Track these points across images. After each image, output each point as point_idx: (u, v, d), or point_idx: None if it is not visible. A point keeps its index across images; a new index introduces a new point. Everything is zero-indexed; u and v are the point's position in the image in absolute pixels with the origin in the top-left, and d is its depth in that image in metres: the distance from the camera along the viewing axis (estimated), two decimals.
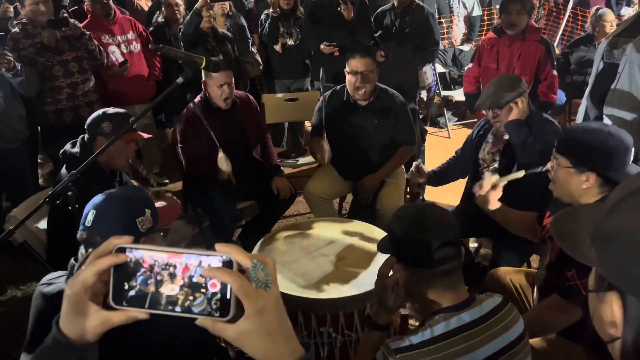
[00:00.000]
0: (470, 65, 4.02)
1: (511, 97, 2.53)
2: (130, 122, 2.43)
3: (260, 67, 4.72)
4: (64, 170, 2.45)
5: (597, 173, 1.79)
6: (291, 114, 4.37)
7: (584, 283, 1.75)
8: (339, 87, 3.35)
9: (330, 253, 2.40)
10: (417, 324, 1.94)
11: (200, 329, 0.66)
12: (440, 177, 3.01)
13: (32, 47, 3.42)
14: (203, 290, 0.65)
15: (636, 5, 5.59)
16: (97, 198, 1.58)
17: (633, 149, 1.81)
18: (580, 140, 1.83)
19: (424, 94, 5.89)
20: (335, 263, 2.32)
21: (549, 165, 1.95)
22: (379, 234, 2.55)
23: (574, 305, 1.81)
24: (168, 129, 5.16)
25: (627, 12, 5.98)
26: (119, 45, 4.09)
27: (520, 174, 2.30)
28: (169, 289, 0.65)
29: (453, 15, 6.41)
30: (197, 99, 3.23)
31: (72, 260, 1.55)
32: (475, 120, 4.74)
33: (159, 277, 0.65)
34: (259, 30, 4.61)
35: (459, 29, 6.51)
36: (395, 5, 4.29)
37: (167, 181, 4.70)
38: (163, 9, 4.56)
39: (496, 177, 2.28)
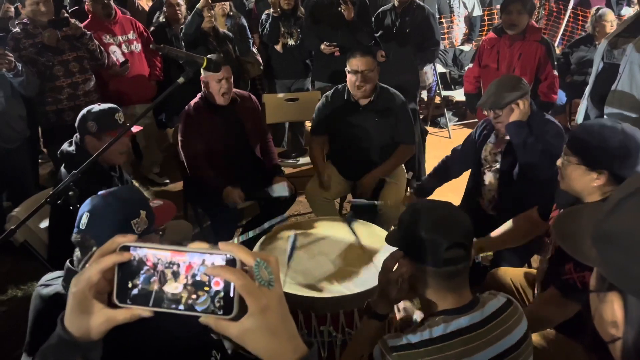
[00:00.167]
0: (471, 65, 4.02)
1: (512, 98, 2.53)
2: (122, 122, 2.46)
3: (261, 67, 4.73)
4: (63, 169, 2.46)
5: (609, 172, 1.76)
6: (292, 114, 4.37)
7: (580, 277, 1.74)
8: (340, 86, 3.35)
9: (330, 252, 2.40)
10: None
11: (202, 328, 0.66)
12: (440, 176, 3.01)
13: (32, 47, 3.42)
14: (206, 288, 0.65)
15: (636, 5, 5.59)
16: (91, 200, 1.57)
17: None
18: (593, 139, 1.79)
19: (424, 94, 5.90)
20: (336, 262, 2.32)
21: (558, 162, 1.93)
22: (380, 233, 2.55)
23: (570, 300, 1.79)
24: (169, 129, 5.17)
25: (628, 12, 5.98)
26: (119, 45, 4.09)
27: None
28: (173, 287, 0.65)
29: (453, 15, 6.42)
30: (197, 97, 3.23)
31: (67, 262, 1.54)
32: (476, 120, 4.75)
33: (162, 276, 0.66)
34: (260, 30, 4.62)
35: (459, 29, 6.51)
36: (396, 5, 4.29)
37: (167, 181, 4.70)
38: (164, 8, 4.56)
39: None
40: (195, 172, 3.22)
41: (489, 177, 2.77)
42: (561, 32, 6.57)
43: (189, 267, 0.65)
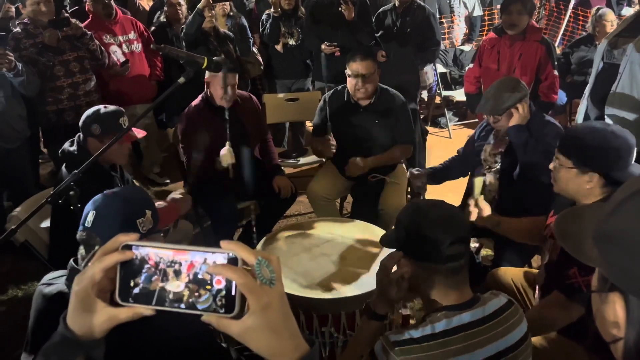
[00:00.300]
0: (471, 65, 4.02)
1: (511, 103, 2.52)
2: (126, 127, 2.44)
3: (262, 67, 4.73)
4: (64, 168, 2.46)
5: (600, 173, 1.78)
6: (292, 114, 4.37)
7: (585, 281, 1.75)
8: (340, 87, 3.35)
9: (331, 253, 2.40)
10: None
11: (203, 328, 0.66)
12: (441, 175, 3.01)
13: (33, 47, 3.42)
14: (208, 287, 0.65)
15: (637, 5, 5.59)
16: (97, 199, 1.58)
17: (635, 149, 1.81)
18: (584, 141, 1.82)
19: (425, 94, 5.89)
20: (337, 263, 2.32)
21: (551, 165, 1.95)
22: (381, 234, 2.55)
23: (575, 303, 1.80)
24: (169, 129, 5.17)
25: (628, 12, 5.97)
26: (120, 45, 4.09)
27: (479, 180, 2.34)
28: (175, 286, 0.65)
29: (454, 15, 6.42)
30: (199, 98, 3.22)
31: (71, 261, 1.54)
32: (476, 120, 4.75)
33: (164, 274, 0.66)
34: (260, 30, 4.62)
35: (459, 29, 6.51)
36: (397, 5, 4.29)
37: (168, 181, 4.70)
38: (165, 8, 4.56)
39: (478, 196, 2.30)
40: (195, 173, 3.21)
41: (489, 178, 2.77)
42: (561, 32, 6.57)
43: (190, 266, 0.66)
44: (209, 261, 0.66)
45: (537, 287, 2.16)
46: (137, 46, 4.20)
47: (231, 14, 4.77)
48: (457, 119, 6.20)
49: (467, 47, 6.52)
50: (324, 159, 3.71)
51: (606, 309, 0.75)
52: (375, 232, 2.56)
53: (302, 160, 4.20)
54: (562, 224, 0.89)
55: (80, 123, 2.50)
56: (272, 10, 4.39)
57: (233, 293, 0.65)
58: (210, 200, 3.20)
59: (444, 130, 5.88)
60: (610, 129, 1.80)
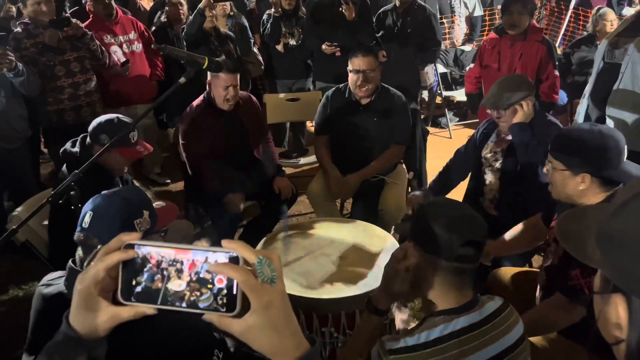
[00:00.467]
0: (472, 65, 4.02)
1: (515, 99, 2.52)
2: (131, 136, 2.45)
3: (262, 67, 4.73)
4: (64, 169, 2.46)
5: (591, 174, 1.80)
6: (293, 114, 4.37)
7: (587, 283, 1.75)
8: (341, 85, 3.35)
9: (332, 253, 2.40)
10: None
11: (205, 327, 0.66)
12: (440, 185, 2.98)
13: (34, 47, 3.42)
14: (210, 285, 0.65)
15: (637, 4, 5.59)
16: (95, 199, 1.57)
17: (626, 147, 1.82)
18: (572, 142, 1.85)
19: (425, 94, 5.90)
20: (337, 263, 2.32)
21: (545, 169, 1.97)
22: (381, 234, 2.55)
23: (577, 305, 1.81)
24: (170, 129, 5.17)
25: (629, 12, 5.97)
26: (120, 45, 4.09)
27: None
28: (176, 285, 0.66)
29: (454, 15, 6.42)
30: (200, 98, 3.22)
31: (69, 262, 1.54)
32: (477, 120, 4.75)
33: (166, 273, 0.66)
34: (261, 30, 4.62)
35: (460, 29, 6.51)
36: (397, 5, 4.29)
37: (168, 181, 4.71)
38: (166, 8, 4.57)
39: None
40: (196, 174, 3.22)
41: (489, 177, 2.77)
42: (562, 32, 6.57)
43: (192, 265, 0.66)
44: (210, 260, 0.66)
45: (537, 287, 2.16)
46: (138, 46, 4.20)
47: (231, 14, 4.77)
48: (457, 119, 6.20)
49: (467, 47, 6.52)
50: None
51: (608, 310, 0.74)
52: (376, 232, 2.56)
53: (302, 161, 4.20)
54: (564, 225, 0.89)
55: (90, 128, 2.48)
56: (272, 10, 4.39)
57: (234, 292, 0.65)
58: (210, 200, 3.20)
59: (444, 131, 5.88)
60: (598, 129, 1.82)
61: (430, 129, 5.61)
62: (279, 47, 4.50)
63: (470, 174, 2.95)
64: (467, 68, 4.19)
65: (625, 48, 3.23)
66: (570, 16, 6.55)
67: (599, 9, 4.99)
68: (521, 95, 2.52)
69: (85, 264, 1.51)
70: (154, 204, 1.70)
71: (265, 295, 0.65)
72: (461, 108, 6.34)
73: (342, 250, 2.42)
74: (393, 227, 3.21)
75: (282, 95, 4.38)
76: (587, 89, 3.61)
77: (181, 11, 4.51)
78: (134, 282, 0.67)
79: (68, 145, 2.51)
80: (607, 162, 1.78)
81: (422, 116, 5.45)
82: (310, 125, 4.64)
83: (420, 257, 1.45)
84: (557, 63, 3.73)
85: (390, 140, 3.30)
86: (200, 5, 3.99)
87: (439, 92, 6.02)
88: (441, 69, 6.20)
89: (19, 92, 3.35)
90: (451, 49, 6.50)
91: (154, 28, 4.60)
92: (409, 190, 3.50)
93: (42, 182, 4.16)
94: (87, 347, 0.70)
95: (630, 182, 0.78)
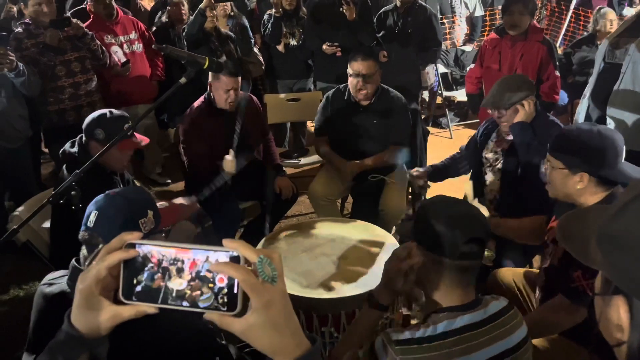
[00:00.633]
0: (473, 65, 4.02)
1: (517, 99, 2.52)
2: (126, 128, 2.43)
3: (263, 67, 4.72)
4: (64, 169, 2.46)
5: (589, 173, 1.81)
6: (293, 114, 4.37)
7: (589, 284, 1.75)
8: (341, 86, 3.35)
9: (332, 253, 2.40)
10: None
11: (205, 329, 0.66)
12: (441, 172, 3.01)
13: (34, 47, 3.43)
14: (210, 285, 0.65)
15: (638, 5, 5.59)
16: (99, 199, 1.58)
17: (624, 148, 1.83)
18: (572, 142, 1.86)
19: (426, 95, 5.89)
20: (337, 263, 2.32)
21: (543, 168, 1.97)
22: (381, 234, 2.55)
23: (579, 306, 1.81)
24: (170, 129, 5.17)
25: (630, 12, 5.97)
26: (121, 46, 4.09)
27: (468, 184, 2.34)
28: (177, 284, 0.66)
29: (455, 15, 6.41)
30: (201, 99, 3.23)
31: (73, 261, 1.55)
32: (477, 120, 4.74)
33: (167, 272, 0.66)
34: (262, 30, 4.62)
35: (461, 30, 6.50)
36: (398, 5, 4.29)
37: (169, 181, 4.71)
38: (168, 8, 4.57)
39: None
40: (196, 174, 3.22)
41: (490, 177, 2.77)
42: (563, 32, 6.57)
43: (193, 264, 0.66)
44: (211, 259, 0.66)
45: (537, 288, 2.16)
46: (138, 46, 4.20)
47: (232, 14, 4.77)
48: (458, 119, 6.20)
49: (468, 48, 6.51)
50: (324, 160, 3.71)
51: (610, 312, 0.74)
52: (376, 232, 2.56)
53: (303, 161, 4.20)
54: (565, 226, 0.89)
55: (84, 126, 2.49)
56: (273, 10, 4.39)
57: (235, 291, 0.65)
58: (211, 201, 3.20)
59: (445, 131, 5.88)
60: (597, 129, 1.84)
61: (430, 129, 5.61)
62: (280, 48, 4.50)
63: (470, 173, 2.95)
64: (468, 68, 4.19)
65: (626, 48, 3.23)
66: (571, 16, 6.55)
67: (600, 8, 4.99)
68: (522, 95, 2.52)
69: (87, 263, 1.52)
70: (157, 204, 1.71)
71: (266, 295, 0.65)
72: (462, 108, 6.34)
73: (343, 250, 2.42)
74: (394, 227, 3.21)
75: (282, 95, 4.38)
76: (588, 89, 3.61)
77: (183, 11, 4.52)
78: (135, 281, 0.67)
79: (67, 146, 2.52)
80: (606, 162, 1.79)
81: (423, 116, 5.45)
82: (311, 126, 4.64)
83: (424, 257, 1.45)
84: (557, 63, 3.73)
85: (389, 141, 3.30)
86: (201, 5, 4.00)
87: (440, 92, 6.02)
88: (442, 69, 6.20)
89: (19, 92, 3.35)
90: (452, 49, 6.50)
91: (154, 28, 4.60)
92: (409, 191, 3.50)
93: (42, 182, 4.16)
94: (88, 346, 0.71)
95: (631, 183, 0.78)
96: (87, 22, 3.89)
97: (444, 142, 5.53)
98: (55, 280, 1.57)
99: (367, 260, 2.33)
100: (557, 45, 6.09)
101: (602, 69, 3.47)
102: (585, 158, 1.82)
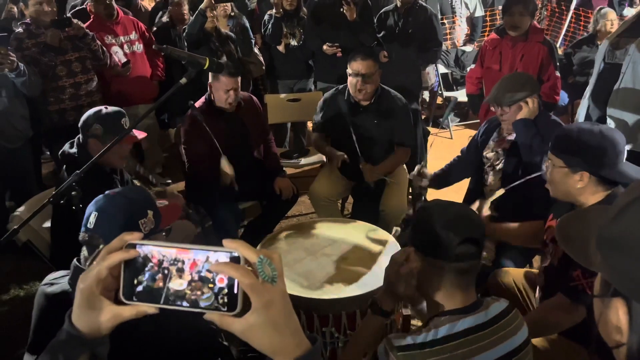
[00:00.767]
0: (473, 66, 4.02)
1: (521, 96, 2.52)
2: (126, 127, 2.45)
3: (263, 68, 4.72)
4: (64, 169, 2.46)
5: (590, 172, 1.82)
6: (294, 114, 4.37)
7: (589, 283, 1.75)
8: (340, 86, 3.35)
9: (332, 253, 2.40)
10: (419, 324, 1.94)
11: (207, 329, 0.66)
12: (443, 179, 3.01)
13: (35, 47, 3.43)
14: (211, 285, 0.66)
15: (638, 5, 5.59)
16: (99, 199, 1.58)
17: (625, 148, 1.84)
18: (573, 141, 1.86)
19: (426, 95, 5.89)
20: (338, 263, 2.32)
21: (544, 167, 1.97)
22: (382, 234, 2.55)
23: (579, 306, 1.81)
24: (171, 129, 5.17)
25: (630, 12, 5.97)
26: (121, 46, 4.09)
27: (500, 192, 2.36)
28: (177, 284, 0.66)
29: (455, 15, 6.41)
30: (202, 100, 3.23)
31: (74, 260, 1.55)
32: (478, 121, 4.74)
33: (167, 273, 0.67)
34: (262, 30, 4.62)
35: (461, 30, 6.50)
36: (399, 5, 4.29)
37: (169, 181, 4.71)
38: (169, 8, 4.57)
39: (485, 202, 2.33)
40: (196, 174, 3.22)
41: (490, 177, 2.77)
42: (563, 32, 6.57)
43: (193, 264, 0.66)
44: (211, 259, 0.66)
45: (537, 288, 2.16)
46: (139, 46, 4.20)
47: (232, 14, 4.77)
48: (458, 119, 6.20)
49: (468, 48, 6.51)
50: (325, 159, 3.71)
51: (609, 314, 0.74)
52: (376, 233, 2.56)
53: (303, 161, 4.20)
54: (564, 228, 0.89)
55: (81, 123, 2.49)
56: (274, 10, 4.40)
57: (235, 291, 0.65)
58: (211, 201, 3.20)
59: (445, 131, 5.88)
60: (599, 129, 1.84)
61: (431, 129, 5.60)
62: (280, 48, 4.50)
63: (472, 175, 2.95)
64: (468, 69, 4.19)
65: (626, 48, 3.24)
66: (571, 17, 6.55)
67: (600, 9, 4.99)
68: (526, 93, 2.52)
69: (87, 263, 1.52)
70: (157, 202, 1.70)
71: (266, 295, 0.65)
72: (462, 109, 6.34)
73: (343, 251, 2.42)
74: (394, 228, 3.21)
75: (283, 95, 4.38)
76: (588, 89, 3.61)
77: (184, 11, 4.52)
78: (135, 282, 0.67)
79: (66, 146, 2.52)
80: (607, 162, 1.79)
81: (423, 116, 5.45)
82: (312, 126, 4.64)
83: (422, 261, 1.45)
84: (558, 64, 3.73)
85: (389, 141, 3.30)
86: (202, 5, 4.00)
87: (440, 92, 6.02)
88: (442, 69, 6.20)
89: (20, 92, 3.36)
90: (452, 50, 6.49)
91: (155, 28, 4.60)
92: (410, 191, 3.50)
93: (43, 182, 4.17)
94: (89, 346, 0.71)
95: (631, 185, 0.78)
96: (88, 23, 3.90)
97: (444, 143, 5.53)
98: (56, 280, 1.57)
99: (367, 261, 2.32)
100: (558, 45, 6.09)
101: (602, 69, 3.47)
102: (586, 157, 1.82)
